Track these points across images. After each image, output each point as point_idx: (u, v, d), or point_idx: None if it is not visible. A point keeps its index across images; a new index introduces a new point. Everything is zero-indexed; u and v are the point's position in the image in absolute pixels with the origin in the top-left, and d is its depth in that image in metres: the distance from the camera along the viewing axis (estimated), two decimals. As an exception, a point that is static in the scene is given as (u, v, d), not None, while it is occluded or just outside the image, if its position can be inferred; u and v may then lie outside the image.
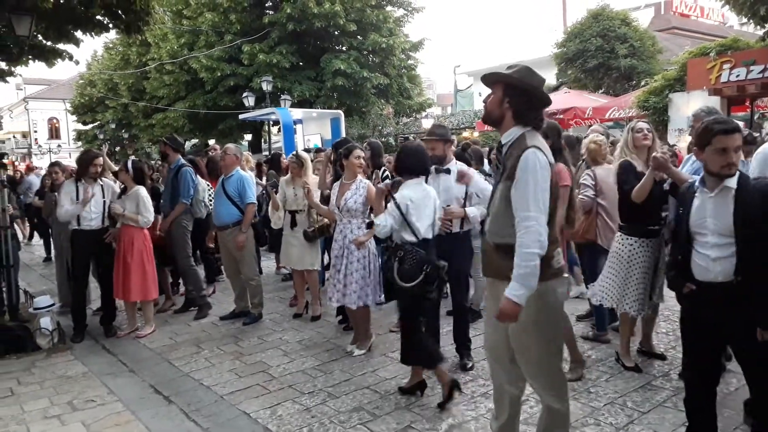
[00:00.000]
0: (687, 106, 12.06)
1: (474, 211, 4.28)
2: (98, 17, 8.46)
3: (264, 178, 8.87)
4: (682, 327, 3.01)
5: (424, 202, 3.95)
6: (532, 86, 2.67)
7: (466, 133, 21.63)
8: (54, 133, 52.41)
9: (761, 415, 2.85)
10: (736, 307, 2.70)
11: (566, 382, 2.87)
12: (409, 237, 3.89)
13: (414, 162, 4.02)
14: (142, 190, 5.74)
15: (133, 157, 6.31)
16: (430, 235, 4.00)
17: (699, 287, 2.81)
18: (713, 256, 2.74)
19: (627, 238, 4.17)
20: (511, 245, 2.57)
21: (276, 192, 6.37)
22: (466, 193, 4.34)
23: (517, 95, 2.65)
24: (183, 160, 6.58)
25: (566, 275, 2.84)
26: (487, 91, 2.85)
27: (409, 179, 3.99)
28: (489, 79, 2.75)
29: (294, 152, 6.81)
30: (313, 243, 6.01)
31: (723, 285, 2.73)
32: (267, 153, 19.24)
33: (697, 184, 2.85)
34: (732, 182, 2.72)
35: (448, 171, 4.36)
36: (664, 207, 4.06)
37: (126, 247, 5.66)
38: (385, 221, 3.84)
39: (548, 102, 2.77)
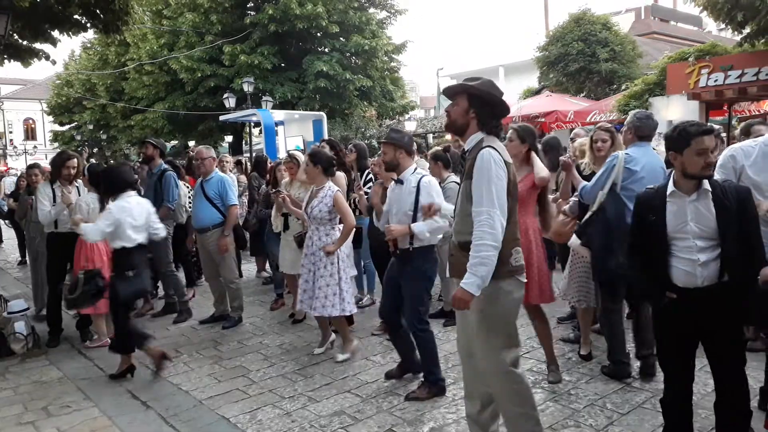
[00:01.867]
0: (667, 110, 12.23)
1: (421, 227, 3.93)
2: (76, 16, 8.31)
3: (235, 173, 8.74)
4: (656, 331, 3.03)
5: (138, 209, 4.61)
6: (495, 97, 2.85)
7: (448, 136, 21.72)
8: (30, 133, 51.62)
9: (730, 411, 2.89)
10: (718, 309, 2.73)
11: (518, 385, 2.87)
12: (125, 243, 4.48)
13: (120, 180, 4.63)
14: (84, 197, 5.53)
15: (92, 160, 6.20)
16: (143, 240, 4.63)
17: (680, 294, 2.80)
18: (701, 260, 2.74)
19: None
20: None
21: (278, 195, 6.19)
22: (416, 206, 4.01)
23: (481, 105, 2.85)
24: (165, 164, 6.52)
25: (523, 277, 2.88)
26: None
27: (121, 194, 4.57)
28: (453, 89, 2.93)
29: (288, 153, 6.68)
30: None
31: (707, 289, 2.74)
32: (248, 155, 19.12)
33: (671, 188, 2.82)
34: (707, 185, 2.76)
35: (400, 182, 4.12)
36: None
37: (76, 257, 5.51)
38: (91, 229, 4.44)
39: (508, 112, 3.00)
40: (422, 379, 4.13)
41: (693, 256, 2.75)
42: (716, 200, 2.73)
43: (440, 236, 4.19)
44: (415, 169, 4.15)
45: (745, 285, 2.74)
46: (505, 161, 2.76)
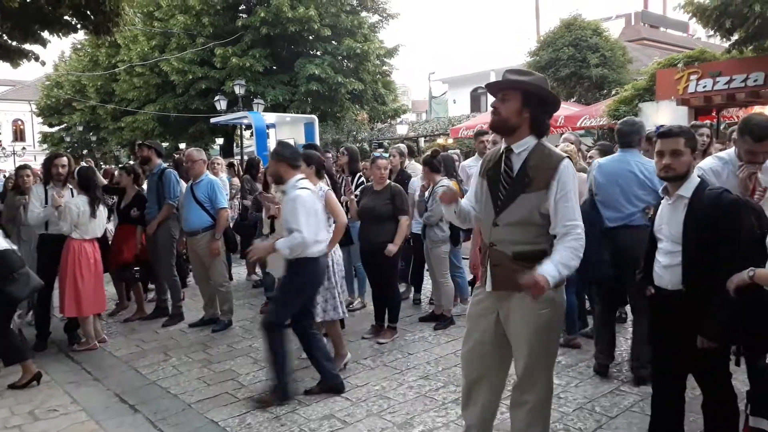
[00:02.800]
0: (656, 115, 12.30)
1: (282, 244, 3.90)
2: (66, 17, 8.26)
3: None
4: (648, 329, 3.07)
5: None
6: (552, 95, 2.72)
7: (440, 140, 21.78)
8: (19, 135, 51.20)
9: (710, 414, 2.91)
10: (683, 315, 2.74)
11: (550, 401, 2.91)
12: None
13: None
14: (74, 200, 5.47)
15: (83, 163, 6.15)
16: (5, 247, 4.66)
17: (656, 291, 2.89)
18: (663, 264, 2.81)
19: None
20: (538, 251, 2.64)
21: (264, 197, 6.14)
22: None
23: (537, 104, 2.66)
24: (164, 164, 6.47)
25: None
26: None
27: None
28: (502, 85, 2.69)
29: None
30: None
31: (672, 293, 2.78)
32: (239, 157, 19.07)
33: (663, 189, 2.92)
34: (687, 191, 2.74)
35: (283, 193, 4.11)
36: None
37: (62, 259, 5.45)
38: None
39: (558, 108, 2.83)
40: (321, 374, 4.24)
41: (660, 258, 2.83)
42: (689, 207, 2.72)
43: (321, 249, 4.12)
44: (297, 181, 4.08)
45: (703, 297, 2.66)
46: None
